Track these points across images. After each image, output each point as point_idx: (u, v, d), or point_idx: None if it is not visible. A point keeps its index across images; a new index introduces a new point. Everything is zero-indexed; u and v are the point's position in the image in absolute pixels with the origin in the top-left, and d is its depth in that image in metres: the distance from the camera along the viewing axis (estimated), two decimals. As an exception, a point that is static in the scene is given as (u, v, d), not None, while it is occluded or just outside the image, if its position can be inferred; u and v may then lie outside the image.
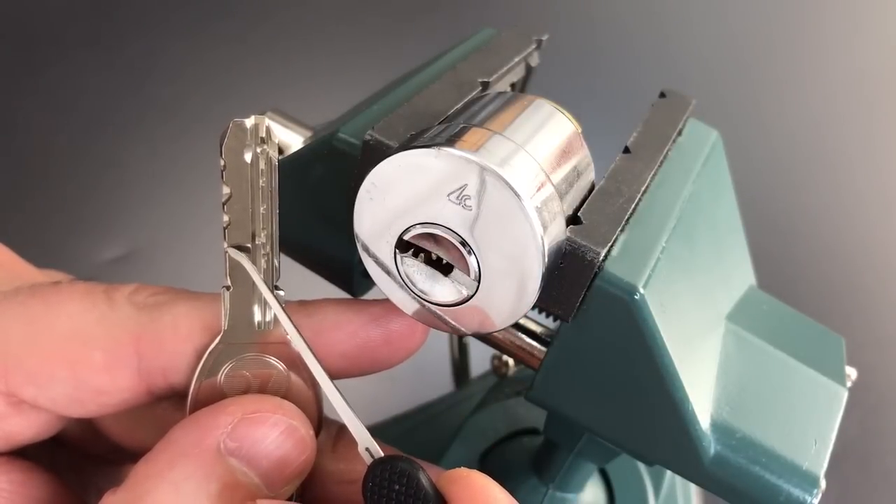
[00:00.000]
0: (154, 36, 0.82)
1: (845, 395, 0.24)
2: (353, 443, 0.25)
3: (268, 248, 0.21)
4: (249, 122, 0.20)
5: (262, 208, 0.20)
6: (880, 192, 0.85)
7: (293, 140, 0.27)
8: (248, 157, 0.20)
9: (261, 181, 0.20)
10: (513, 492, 0.32)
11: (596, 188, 0.22)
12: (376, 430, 0.25)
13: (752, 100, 0.91)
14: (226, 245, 0.21)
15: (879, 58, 1.02)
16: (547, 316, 0.22)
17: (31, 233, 0.64)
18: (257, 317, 0.21)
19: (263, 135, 0.20)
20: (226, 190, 0.20)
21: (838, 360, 0.26)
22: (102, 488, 0.24)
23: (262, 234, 0.21)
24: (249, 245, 0.21)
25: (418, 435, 0.40)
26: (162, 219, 0.68)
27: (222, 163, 0.20)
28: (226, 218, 0.20)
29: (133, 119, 0.74)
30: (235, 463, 0.19)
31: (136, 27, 0.82)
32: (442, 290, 0.20)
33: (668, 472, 0.35)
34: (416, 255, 0.20)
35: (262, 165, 0.20)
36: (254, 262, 0.21)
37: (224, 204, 0.20)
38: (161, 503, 0.19)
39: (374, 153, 0.20)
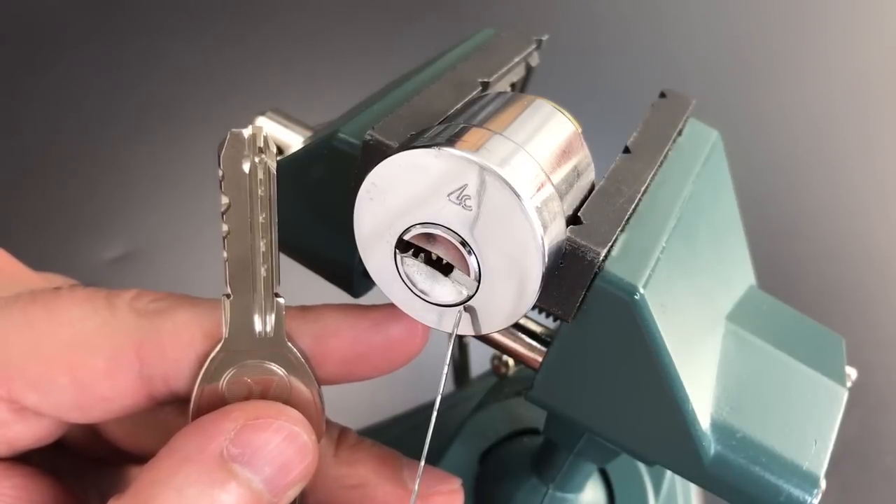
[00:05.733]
0: (154, 36, 0.82)
1: (845, 395, 0.24)
2: (355, 447, 0.25)
3: (268, 256, 0.21)
4: (247, 132, 0.20)
5: (261, 217, 0.20)
6: (880, 192, 0.85)
7: (293, 140, 0.27)
8: (246, 167, 0.20)
9: (259, 191, 0.20)
10: (513, 492, 0.32)
11: (596, 188, 0.22)
12: (376, 431, 0.24)
13: (752, 100, 0.91)
14: (225, 254, 0.21)
15: (879, 58, 1.02)
16: (547, 316, 0.22)
17: (31, 233, 0.64)
18: (258, 326, 0.21)
19: (261, 144, 0.20)
20: (224, 200, 0.20)
21: (838, 360, 0.26)
22: (104, 491, 0.24)
23: (262, 243, 0.21)
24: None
25: (418, 435, 0.40)
26: (162, 219, 0.67)
27: (220, 173, 0.20)
28: (225, 227, 0.20)
29: (133, 119, 0.74)
30: (238, 469, 0.19)
31: (136, 27, 0.82)
32: (442, 290, 0.20)
33: (668, 472, 0.35)
34: (416, 255, 0.20)
35: (260, 175, 0.20)
36: (254, 269, 0.21)
37: (223, 213, 0.20)
38: None
39: (374, 153, 0.20)
